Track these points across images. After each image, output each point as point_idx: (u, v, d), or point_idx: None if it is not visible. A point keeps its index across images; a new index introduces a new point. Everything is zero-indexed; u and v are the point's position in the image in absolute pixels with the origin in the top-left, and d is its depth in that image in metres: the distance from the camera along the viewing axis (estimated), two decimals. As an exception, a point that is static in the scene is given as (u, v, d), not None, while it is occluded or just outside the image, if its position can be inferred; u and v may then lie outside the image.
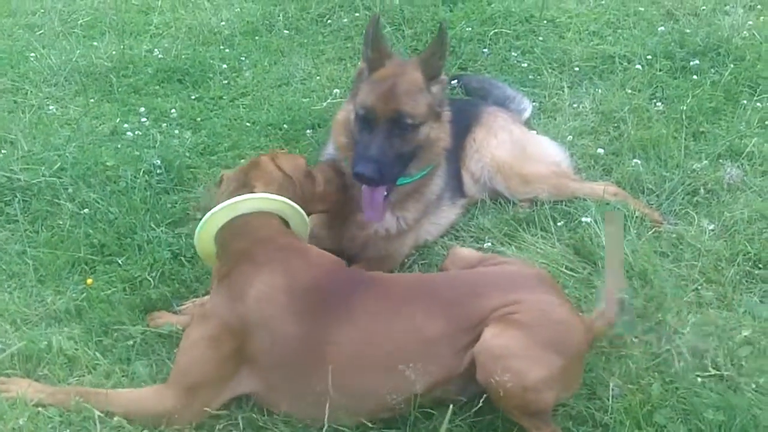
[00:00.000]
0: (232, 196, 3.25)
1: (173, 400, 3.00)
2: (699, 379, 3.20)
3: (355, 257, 3.95)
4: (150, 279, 3.85)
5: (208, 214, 3.23)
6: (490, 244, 4.09)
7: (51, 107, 5.50)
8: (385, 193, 3.72)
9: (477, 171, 4.42)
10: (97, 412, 3.00)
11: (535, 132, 4.82)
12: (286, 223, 3.34)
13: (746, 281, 3.82)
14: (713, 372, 3.24)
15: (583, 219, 4.11)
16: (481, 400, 2.96)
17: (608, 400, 3.10)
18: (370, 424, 3.00)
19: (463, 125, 4.45)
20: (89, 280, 3.80)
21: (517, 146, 4.49)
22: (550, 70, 5.74)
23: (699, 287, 3.75)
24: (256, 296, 3.00)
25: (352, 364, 2.94)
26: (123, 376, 3.31)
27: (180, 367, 3.07)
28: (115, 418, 3.00)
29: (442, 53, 3.69)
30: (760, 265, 3.90)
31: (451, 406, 2.84)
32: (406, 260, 4.06)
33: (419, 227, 4.07)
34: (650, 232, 4.05)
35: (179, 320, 3.58)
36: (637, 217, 4.13)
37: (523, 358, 2.83)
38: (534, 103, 5.26)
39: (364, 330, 2.97)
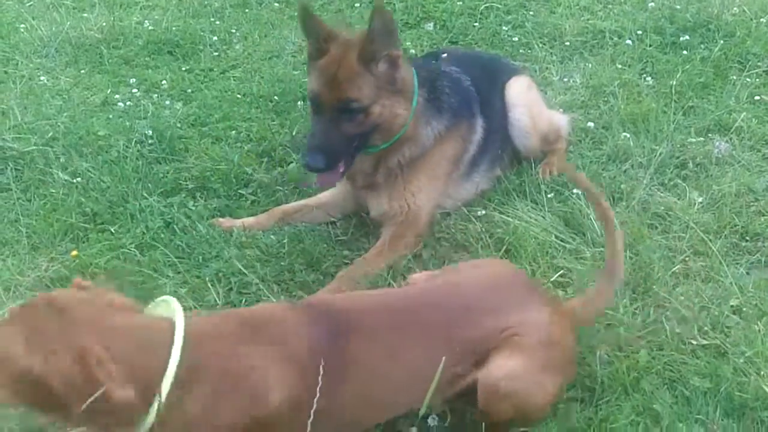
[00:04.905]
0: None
1: None
2: (686, 348, 3.25)
3: (376, 221, 4.07)
4: (135, 251, 3.87)
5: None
6: (483, 212, 4.12)
7: (42, 78, 5.50)
8: (342, 170, 3.85)
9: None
10: None
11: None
12: None
13: (733, 253, 3.85)
14: (701, 341, 3.29)
15: (574, 190, 4.14)
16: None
17: (596, 366, 3.13)
18: None
19: (508, 77, 4.59)
20: (74, 252, 3.80)
21: (543, 104, 4.70)
22: (540, 45, 5.76)
23: (687, 258, 3.78)
24: (274, 398, 2.55)
25: (354, 410, 2.74)
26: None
27: None
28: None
29: (374, 37, 3.65)
30: (747, 238, 3.93)
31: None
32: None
33: (426, 187, 4.05)
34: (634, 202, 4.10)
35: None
36: (623, 188, 4.20)
37: (527, 388, 2.75)
38: (525, 77, 5.27)
39: (363, 383, 2.70)
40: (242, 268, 3.69)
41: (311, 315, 2.70)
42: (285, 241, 3.91)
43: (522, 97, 4.50)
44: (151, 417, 2.29)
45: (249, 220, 4.07)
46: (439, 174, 4.10)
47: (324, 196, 4.20)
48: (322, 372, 2.57)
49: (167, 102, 5.20)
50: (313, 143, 3.76)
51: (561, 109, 4.92)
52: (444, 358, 2.70)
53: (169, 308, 2.48)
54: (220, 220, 4.08)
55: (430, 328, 2.78)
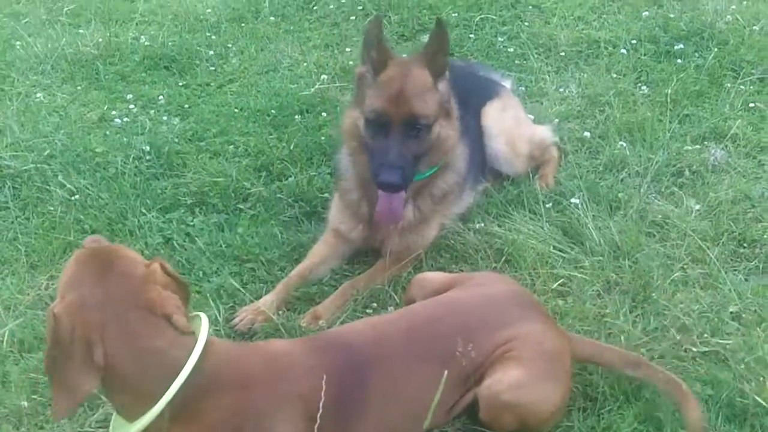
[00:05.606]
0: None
1: None
2: (687, 355, 3.25)
3: (379, 249, 3.94)
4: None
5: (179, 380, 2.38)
6: (482, 224, 4.12)
7: (38, 95, 5.51)
8: (404, 193, 3.70)
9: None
10: None
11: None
12: None
13: (731, 260, 3.87)
14: (701, 348, 3.29)
15: (572, 200, 4.16)
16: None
17: (597, 375, 3.14)
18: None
19: (482, 101, 4.50)
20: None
21: (523, 121, 4.64)
22: (536, 55, 5.77)
23: (685, 266, 3.79)
24: None
25: None
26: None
27: None
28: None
29: (445, 50, 3.66)
30: (745, 244, 3.95)
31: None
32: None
33: (440, 215, 4.02)
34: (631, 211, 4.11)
35: None
36: (620, 197, 4.22)
37: (529, 397, 2.78)
38: (521, 88, 5.30)
39: (381, 413, 2.74)
40: (239, 288, 3.71)
41: (327, 356, 2.71)
42: (285, 253, 3.93)
43: (497, 125, 4.44)
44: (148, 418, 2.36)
45: (267, 301, 3.60)
46: (454, 199, 4.08)
47: (319, 250, 3.92)
48: (336, 410, 2.61)
49: (164, 117, 5.20)
50: (386, 160, 3.54)
51: (551, 121, 4.95)
52: (446, 373, 2.72)
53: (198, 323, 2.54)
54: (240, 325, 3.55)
55: (439, 351, 2.81)
